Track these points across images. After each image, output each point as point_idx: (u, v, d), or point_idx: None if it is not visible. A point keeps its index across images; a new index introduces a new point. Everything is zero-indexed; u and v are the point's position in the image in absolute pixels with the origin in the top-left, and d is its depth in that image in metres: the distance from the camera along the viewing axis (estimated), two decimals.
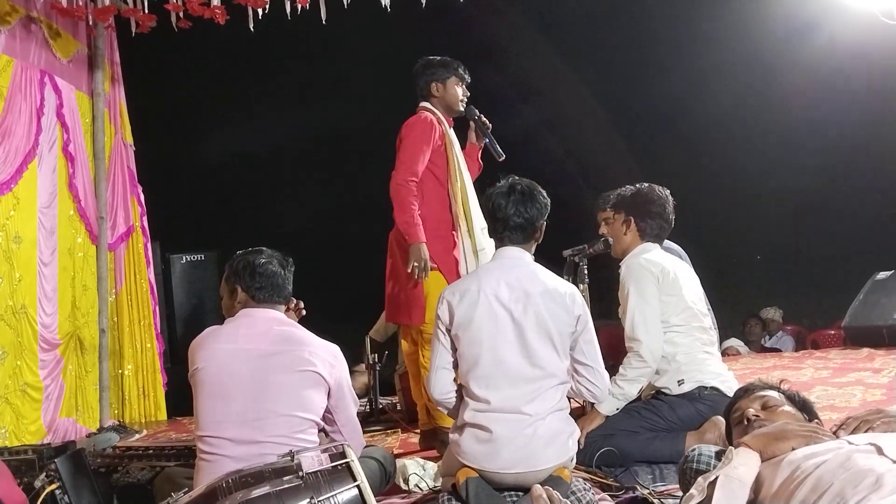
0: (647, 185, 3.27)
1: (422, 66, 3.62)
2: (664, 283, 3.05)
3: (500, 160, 3.63)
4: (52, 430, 4.38)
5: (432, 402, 2.70)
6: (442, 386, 2.58)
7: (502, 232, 2.59)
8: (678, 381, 2.99)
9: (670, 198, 3.24)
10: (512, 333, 2.45)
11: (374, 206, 3.56)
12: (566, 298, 2.49)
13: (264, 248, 2.59)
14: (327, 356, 2.44)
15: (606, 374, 2.61)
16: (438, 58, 3.63)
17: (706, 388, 2.97)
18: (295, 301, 2.69)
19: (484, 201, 2.65)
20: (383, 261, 3.61)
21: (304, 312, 2.73)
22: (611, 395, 2.99)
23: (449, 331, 2.54)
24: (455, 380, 2.59)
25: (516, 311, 2.46)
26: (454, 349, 2.55)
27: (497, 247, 2.64)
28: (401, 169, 3.40)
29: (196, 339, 2.47)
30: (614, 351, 3.46)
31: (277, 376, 2.35)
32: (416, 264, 3.30)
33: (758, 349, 6.51)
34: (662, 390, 3.04)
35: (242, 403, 2.33)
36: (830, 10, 5.47)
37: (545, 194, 2.62)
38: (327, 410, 2.46)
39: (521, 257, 2.58)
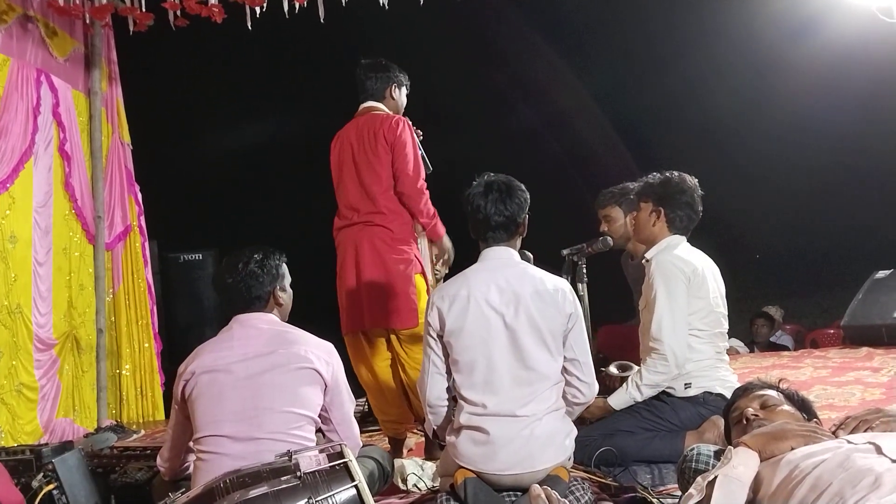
0: (676, 173, 3.11)
1: (378, 67, 3.54)
2: (694, 284, 2.94)
3: (429, 173, 3.59)
4: (49, 431, 4.37)
5: (424, 407, 2.65)
6: (438, 391, 2.54)
7: (486, 233, 2.54)
8: (685, 385, 2.94)
9: (699, 188, 3.08)
10: (505, 338, 2.42)
11: None
12: (557, 296, 2.45)
13: (240, 252, 2.49)
14: (322, 353, 2.43)
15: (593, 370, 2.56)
16: (385, 61, 3.57)
17: (712, 394, 2.93)
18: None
19: (463, 203, 2.59)
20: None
21: None
22: (626, 393, 2.98)
23: (440, 337, 2.50)
24: (448, 389, 2.56)
25: (508, 315, 2.42)
26: (446, 355, 2.51)
27: (482, 248, 2.58)
28: (415, 174, 3.39)
29: (188, 359, 2.44)
30: (616, 349, 3.44)
31: (273, 374, 2.34)
32: (447, 256, 3.47)
33: (763, 347, 6.48)
34: (666, 390, 2.97)
35: (239, 402, 2.31)
36: (828, 8, 5.46)
37: (524, 188, 2.56)
38: (323, 409, 2.44)
39: (508, 257, 2.54)
